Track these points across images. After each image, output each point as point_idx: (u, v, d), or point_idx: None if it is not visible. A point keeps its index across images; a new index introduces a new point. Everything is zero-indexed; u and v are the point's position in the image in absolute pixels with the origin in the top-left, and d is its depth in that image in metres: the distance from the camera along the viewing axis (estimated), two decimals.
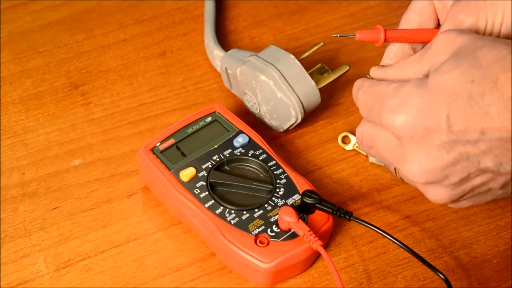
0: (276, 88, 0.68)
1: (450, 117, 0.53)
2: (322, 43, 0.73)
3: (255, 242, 0.60)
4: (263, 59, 0.69)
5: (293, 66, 0.69)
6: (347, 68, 0.71)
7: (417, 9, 0.64)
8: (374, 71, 0.62)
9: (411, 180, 0.57)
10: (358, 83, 0.61)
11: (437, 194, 0.56)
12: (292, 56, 0.69)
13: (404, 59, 0.60)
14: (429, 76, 0.54)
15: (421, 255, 0.61)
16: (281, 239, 0.60)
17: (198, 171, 0.64)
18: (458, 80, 0.53)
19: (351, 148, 0.70)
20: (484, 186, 0.55)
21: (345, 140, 0.71)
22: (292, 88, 0.68)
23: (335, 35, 0.65)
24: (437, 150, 0.54)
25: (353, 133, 0.71)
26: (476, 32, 0.59)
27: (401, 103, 0.54)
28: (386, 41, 0.63)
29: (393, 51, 0.64)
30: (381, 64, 0.64)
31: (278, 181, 0.64)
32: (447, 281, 0.59)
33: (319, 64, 0.72)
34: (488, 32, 0.59)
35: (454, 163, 0.54)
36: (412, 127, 0.54)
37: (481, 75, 0.52)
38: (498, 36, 0.59)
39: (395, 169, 0.64)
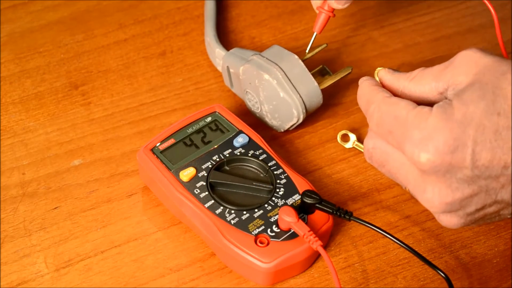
0: (279, 87, 0.68)
1: (475, 152, 0.52)
2: (325, 45, 0.73)
3: (255, 242, 0.60)
4: (266, 58, 0.69)
5: (296, 66, 0.69)
6: (349, 70, 0.71)
7: None
8: (384, 75, 0.61)
9: (427, 207, 0.57)
10: (366, 90, 0.60)
11: (450, 221, 0.57)
12: (296, 57, 0.69)
13: (419, 70, 0.58)
14: (453, 105, 0.53)
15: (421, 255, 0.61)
16: (281, 239, 0.60)
17: (198, 171, 0.64)
18: (485, 113, 0.52)
19: (351, 146, 0.70)
20: (496, 213, 0.56)
21: (344, 138, 0.71)
22: (295, 88, 0.68)
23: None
24: (458, 183, 0.54)
25: (353, 131, 0.71)
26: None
27: (427, 137, 0.53)
28: None
29: None
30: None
31: (278, 181, 0.64)
32: (447, 279, 0.59)
33: (320, 66, 0.72)
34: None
35: (472, 196, 0.54)
36: (437, 163, 0.53)
37: (506, 108, 0.52)
38: None
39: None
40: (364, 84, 0.61)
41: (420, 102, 0.57)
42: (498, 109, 0.52)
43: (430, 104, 0.56)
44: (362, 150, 0.70)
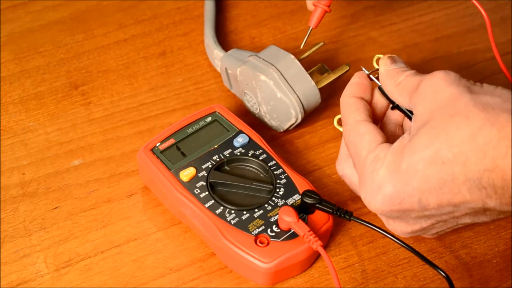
0: (276, 88, 0.68)
1: (422, 200, 0.54)
2: (322, 43, 0.73)
3: (255, 242, 0.60)
4: (263, 59, 0.69)
5: (293, 66, 0.69)
6: (347, 68, 0.71)
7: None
8: (383, 67, 0.62)
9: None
10: (345, 107, 0.61)
11: (420, 236, 0.62)
12: (292, 56, 0.69)
13: (405, 76, 0.60)
14: (404, 153, 0.55)
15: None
16: (281, 239, 0.60)
17: (198, 171, 0.64)
18: (429, 163, 0.53)
19: None
20: (463, 225, 0.58)
21: (340, 122, 0.70)
22: (292, 88, 0.68)
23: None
24: (414, 220, 0.57)
25: None
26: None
27: (376, 190, 0.55)
28: None
29: None
30: None
31: (278, 181, 0.64)
32: (448, 279, 0.59)
33: (319, 64, 0.72)
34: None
35: (432, 225, 0.57)
36: (387, 212, 0.56)
37: (451, 156, 0.52)
38: None
39: None
40: (346, 91, 0.62)
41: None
42: (442, 158, 0.53)
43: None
44: None
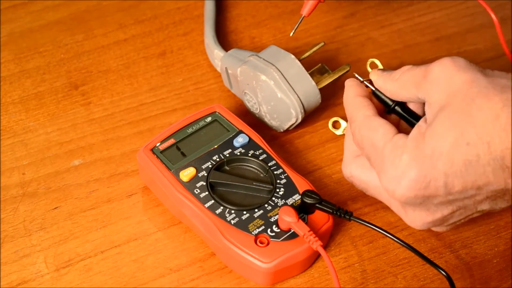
0: (277, 88, 0.68)
1: (448, 183, 0.54)
2: (322, 43, 0.73)
3: (255, 242, 0.60)
4: (263, 59, 0.69)
5: (293, 66, 0.69)
6: (347, 68, 0.71)
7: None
8: (374, 76, 0.62)
9: (411, 226, 0.60)
10: (350, 101, 0.61)
11: (435, 229, 0.61)
12: (293, 56, 0.69)
13: (402, 71, 0.60)
14: (425, 138, 0.55)
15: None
16: (281, 239, 0.60)
17: (198, 171, 0.64)
18: (453, 145, 0.53)
19: (341, 133, 0.70)
20: (478, 214, 0.58)
21: (335, 125, 0.71)
22: (292, 88, 0.68)
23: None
24: (436, 207, 0.56)
25: (344, 118, 0.71)
26: None
27: (400, 175, 0.55)
28: None
29: None
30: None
31: (278, 181, 0.64)
32: (449, 278, 0.59)
33: (319, 64, 0.72)
34: None
35: (452, 213, 0.57)
36: (412, 198, 0.55)
37: (475, 137, 0.53)
38: None
39: None
40: (349, 92, 0.62)
41: (405, 101, 0.60)
42: (467, 139, 0.53)
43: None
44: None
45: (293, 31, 0.73)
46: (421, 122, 0.57)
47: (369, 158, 0.59)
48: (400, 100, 0.61)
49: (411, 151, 0.55)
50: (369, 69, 0.67)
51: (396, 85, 0.60)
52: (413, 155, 0.55)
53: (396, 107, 0.62)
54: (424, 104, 0.58)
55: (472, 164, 0.53)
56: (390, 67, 0.77)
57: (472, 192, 0.54)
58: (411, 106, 0.62)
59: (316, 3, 0.72)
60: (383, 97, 0.62)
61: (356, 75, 0.64)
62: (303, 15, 0.72)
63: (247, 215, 0.62)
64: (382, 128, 0.58)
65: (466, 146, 0.53)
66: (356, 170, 0.61)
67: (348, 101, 0.62)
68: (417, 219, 0.58)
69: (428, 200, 0.56)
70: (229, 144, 0.66)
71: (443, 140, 0.54)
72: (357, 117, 0.60)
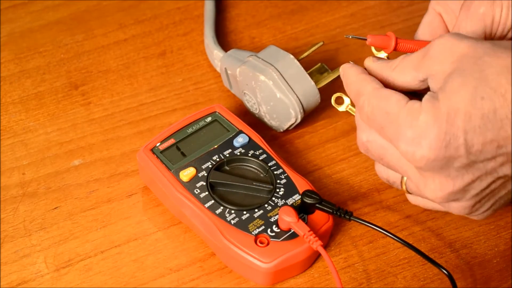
0: (276, 88, 0.68)
1: (467, 140, 0.53)
2: (321, 43, 0.73)
3: (255, 242, 0.60)
4: (262, 59, 0.69)
5: (292, 66, 0.69)
6: None
7: (426, 21, 0.65)
8: (370, 62, 0.61)
9: (431, 199, 0.57)
10: (353, 78, 0.60)
11: (460, 209, 0.57)
12: (292, 56, 0.69)
13: (400, 58, 0.59)
14: (439, 98, 0.54)
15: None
16: (281, 239, 0.60)
17: (198, 171, 0.64)
18: (469, 100, 0.52)
19: (344, 110, 0.68)
20: (502, 187, 0.56)
21: (338, 100, 0.69)
22: (291, 88, 0.68)
23: (348, 36, 0.66)
24: (457, 172, 0.55)
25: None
26: (491, 22, 0.59)
27: (419, 136, 0.54)
28: (396, 49, 0.63)
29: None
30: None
31: (278, 181, 0.64)
32: (450, 277, 0.59)
33: (319, 64, 0.72)
34: (501, 23, 0.59)
35: (474, 180, 0.55)
36: (433, 159, 0.54)
37: (489, 91, 0.52)
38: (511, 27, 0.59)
39: (401, 182, 0.62)
40: (351, 72, 0.61)
41: (403, 90, 0.58)
42: (481, 94, 0.52)
43: (412, 91, 0.58)
44: (354, 114, 0.67)
45: (350, 36, 0.67)
46: (429, 92, 0.56)
47: (383, 127, 0.57)
48: (397, 88, 0.59)
49: (428, 111, 0.54)
50: (334, 104, 0.65)
51: (395, 71, 0.59)
52: (431, 114, 0.54)
53: None
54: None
55: (489, 118, 0.52)
56: None
57: (492, 152, 0.53)
58: None
59: (384, 43, 0.66)
60: None
61: (351, 36, 0.63)
62: (368, 40, 0.65)
63: (247, 215, 0.62)
64: (395, 96, 0.57)
65: (481, 100, 0.52)
66: (373, 135, 0.59)
67: (352, 80, 0.60)
68: (437, 188, 0.56)
69: (448, 163, 0.54)
70: (229, 144, 0.66)
71: (458, 97, 0.53)
72: (366, 90, 0.58)
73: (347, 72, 0.61)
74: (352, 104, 0.67)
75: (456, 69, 0.54)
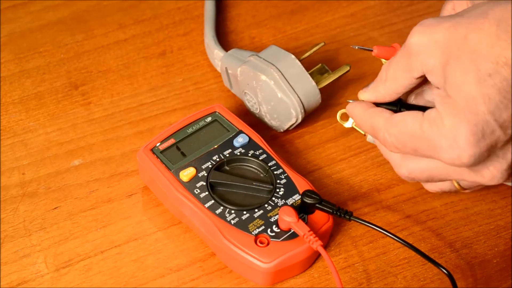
0: (277, 88, 0.68)
1: (498, 120, 0.53)
2: (322, 43, 0.73)
3: (255, 242, 0.60)
4: (263, 59, 0.69)
5: (293, 66, 0.69)
6: (348, 68, 0.71)
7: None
8: (363, 95, 0.61)
9: (493, 184, 0.57)
10: (363, 116, 0.60)
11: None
12: (293, 56, 0.69)
13: (385, 68, 0.59)
14: (450, 94, 0.54)
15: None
16: (281, 239, 0.60)
17: (198, 171, 0.64)
18: (479, 83, 0.52)
19: (350, 126, 0.69)
20: None
21: (343, 117, 0.70)
22: (292, 88, 0.68)
23: (354, 47, 0.66)
24: (503, 150, 0.55)
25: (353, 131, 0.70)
26: None
27: (455, 140, 0.54)
28: None
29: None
30: None
31: (278, 181, 0.64)
32: (450, 276, 0.59)
33: (319, 65, 0.72)
34: None
35: None
36: (478, 154, 0.54)
37: (491, 65, 0.52)
38: None
39: (454, 185, 0.62)
40: (357, 111, 0.61)
41: (406, 92, 0.59)
42: (486, 71, 0.52)
43: (413, 89, 0.58)
44: (360, 131, 0.68)
45: (356, 46, 0.68)
46: (435, 91, 0.56)
47: (416, 149, 0.57)
48: (399, 94, 0.59)
49: (448, 114, 0.54)
50: (340, 121, 0.66)
51: (388, 82, 0.59)
52: (453, 114, 0.54)
53: (403, 106, 0.61)
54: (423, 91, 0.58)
55: (506, 90, 0.52)
56: None
57: None
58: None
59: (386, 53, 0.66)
60: (384, 105, 0.61)
61: (357, 47, 0.64)
62: (374, 51, 0.65)
63: (247, 215, 0.62)
64: (408, 116, 0.57)
65: (489, 77, 0.52)
66: (412, 164, 0.59)
67: (362, 119, 0.60)
68: (494, 173, 0.56)
69: (492, 148, 0.54)
70: (229, 144, 0.66)
71: (467, 85, 0.53)
72: (379, 123, 0.59)
73: (355, 112, 0.61)
74: None
75: (450, 57, 0.54)
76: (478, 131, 0.53)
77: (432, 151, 0.55)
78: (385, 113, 0.59)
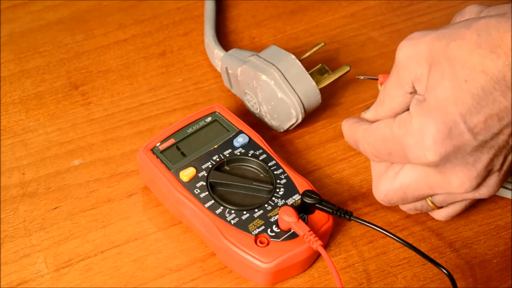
0: (277, 88, 0.68)
1: (468, 122, 0.53)
2: (323, 44, 0.73)
3: (255, 242, 0.60)
4: (264, 59, 0.69)
5: (294, 66, 0.69)
6: (348, 68, 0.71)
7: None
8: (365, 114, 0.62)
9: (463, 195, 0.58)
10: (348, 132, 0.62)
11: (490, 189, 0.58)
12: (293, 56, 0.69)
13: (381, 89, 0.60)
14: (425, 97, 0.54)
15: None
16: (281, 239, 0.60)
17: (198, 171, 0.64)
18: (454, 87, 0.53)
19: None
20: None
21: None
22: (293, 88, 0.68)
23: (359, 77, 0.68)
24: (472, 157, 0.55)
25: None
26: None
27: (421, 137, 0.54)
28: None
29: None
30: None
31: (278, 181, 0.64)
32: (450, 276, 0.59)
33: (319, 65, 0.72)
34: None
35: (492, 158, 0.55)
36: (443, 152, 0.54)
37: (468, 72, 0.53)
38: None
39: (428, 203, 0.62)
40: (345, 127, 0.63)
41: (404, 111, 0.59)
42: (463, 77, 0.53)
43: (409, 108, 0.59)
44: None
45: (361, 77, 0.69)
46: (415, 96, 0.57)
47: (390, 153, 0.58)
48: (398, 113, 0.59)
49: (418, 114, 0.55)
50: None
51: (386, 102, 0.60)
52: (422, 113, 0.54)
53: None
54: None
55: (480, 96, 0.53)
56: (390, 67, 0.77)
57: (497, 126, 0.53)
58: None
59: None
60: None
61: (362, 77, 0.65)
62: (379, 80, 0.65)
63: (247, 215, 0.62)
64: (382, 122, 0.58)
65: (465, 83, 0.53)
66: (385, 185, 0.60)
67: (347, 132, 0.62)
68: (463, 179, 0.56)
69: (461, 150, 0.54)
70: (229, 144, 0.66)
71: (442, 87, 0.53)
72: (359, 135, 0.60)
73: (343, 129, 0.63)
74: None
75: (432, 64, 0.55)
76: (445, 129, 0.54)
77: (401, 152, 0.56)
78: (364, 125, 0.60)
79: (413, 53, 0.56)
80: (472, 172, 0.56)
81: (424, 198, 0.60)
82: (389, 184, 0.60)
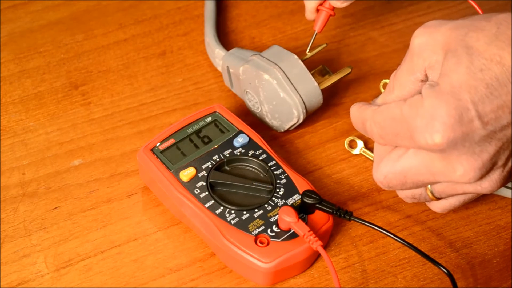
0: (279, 87, 0.68)
1: (479, 111, 0.53)
2: (325, 45, 0.73)
3: (255, 242, 0.60)
4: (266, 58, 0.69)
5: (296, 66, 0.69)
6: (349, 70, 0.71)
7: None
8: (377, 99, 0.62)
9: (464, 187, 0.57)
10: (356, 113, 0.61)
11: (493, 184, 0.57)
12: (296, 56, 0.69)
13: (392, 77, 0.60)
14: (438, 81, 0.54)
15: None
16: (281, 239, 0.60)
17: (198, 171, 0.64)
18: (469, 74, 0.53)
19: (358, 152, 0.70)
20: None
21: (351, 144, 0.71)
22: (295, 88, 0.68)
23: (307, 55, 0.70)
24: (479, 146, 0.54)
25: (353, 131, 0.70)
26: None
27: (431, 119, 0.54)
28: None
29: None
30: None
31: (278, 181, 0.64)
32: (450, 276, 0.59)
33: (320, 66, 0.72)
34: None
35: (498, 150, 0.55)
36: (451, 137, 0.54)
37: (485, 61, 0.53)
38: None
39: (426, 192, 0.62)
40: (353, 110, 0.62)
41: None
42: (479, 66, 0.53)
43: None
44: (369, 157, 0.69)
45: (308, 48, 0.72)
46: (428, 81, 0.56)
47: (397, 134, 0.57)
48: (408, 97, 0.59)
49: (430, 96, 0.54)
50: (347, 148, 0.70)
51: (395, 90, 0.59)
52: (435, 95, 0.54)
53: None
54: None
55: (494, 86, 0.53)
56: (391, 67, 0.77)
57: (507, 118, 0.53)
58: None
59: (328, 17, 0.71)
60: None
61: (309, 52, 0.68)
62: (316, 31, 0.72)
63: (247, 215, 0.62)
64: (393, 103, 0.57)
65: (480, 72, 0.53)
66: (386, 167, 0.59)
67: (355, 114, 0.61)
68: (467, 168, 0.55)
69: (468, 138, 0.54)
70: (229, 144, 0.66)
71: (457, 74, 0.53)
72: (367, 115, 0.59)
73: (351, 111, 0.62)
74: (366, 147, 0.68)
75: (448, 51, 0.55)
76: (456, 114, 0.53)
77: (409, 133, 0.55)
78: (374, 106, 0.59)
79: (430, 40, 0.56)
80: (477, 162, 0.55)
81: (424, 185, 0.59)
82: (390, 167, 0.59)
